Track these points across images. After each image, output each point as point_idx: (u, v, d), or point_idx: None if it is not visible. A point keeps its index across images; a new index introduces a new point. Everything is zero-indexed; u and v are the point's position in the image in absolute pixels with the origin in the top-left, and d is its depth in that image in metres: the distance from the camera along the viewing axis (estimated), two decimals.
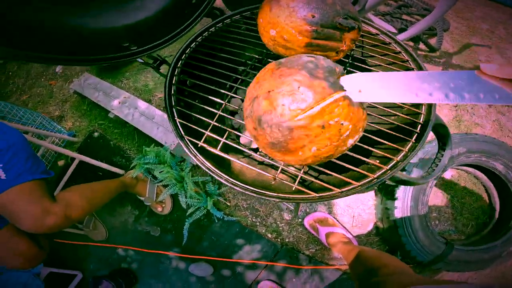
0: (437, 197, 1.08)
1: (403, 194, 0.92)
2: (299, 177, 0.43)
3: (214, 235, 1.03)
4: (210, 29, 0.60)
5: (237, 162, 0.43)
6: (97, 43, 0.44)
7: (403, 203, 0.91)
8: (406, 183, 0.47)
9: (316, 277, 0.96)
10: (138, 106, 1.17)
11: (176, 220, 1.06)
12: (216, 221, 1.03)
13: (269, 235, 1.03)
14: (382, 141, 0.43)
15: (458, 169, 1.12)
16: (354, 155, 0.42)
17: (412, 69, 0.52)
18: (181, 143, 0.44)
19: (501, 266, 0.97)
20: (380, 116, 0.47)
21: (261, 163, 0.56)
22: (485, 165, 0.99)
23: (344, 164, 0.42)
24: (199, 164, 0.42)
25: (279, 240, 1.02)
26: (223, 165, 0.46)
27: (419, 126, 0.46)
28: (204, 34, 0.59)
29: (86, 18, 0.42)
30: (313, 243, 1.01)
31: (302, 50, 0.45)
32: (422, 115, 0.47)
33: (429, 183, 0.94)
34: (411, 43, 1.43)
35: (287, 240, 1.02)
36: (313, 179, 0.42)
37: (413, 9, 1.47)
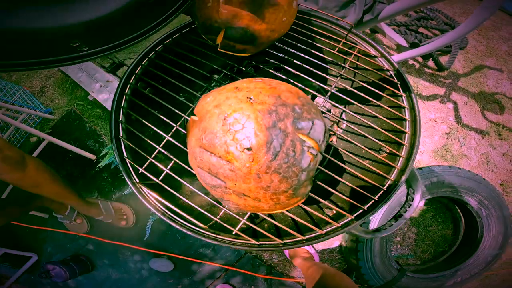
0: (404, 223, 1.09)
1: (372, 219, 0.92)
2: (247, 215, 0.41)
3: (179, 233, 1.03)
4: (183, 30, 0.53)
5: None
6: (34, 44, 0.37)
7: (369, 227, 0.91)
8: (356, 236, 0.45)
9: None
10: None
11: (142, 214, 1.05)
12: None
13: None
14: (339, 195, 0.40)
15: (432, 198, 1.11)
16: (305, 207, 0.39)
17: (403, 108, 0.46)
18: (121, 167, 0.40)
19: None
20: (347, 167, 0.43)
21: None
22: (459, 199, 0.98)
23: (293, 216, 0.39)
24: (138, 195, 0.39)
25: (258, 250, 1.03)
26: (174, 187, 0.43)
27: (387, 183, 0.43)
28: (175, 36, 0.52)
29: (17, 18, 0.35)
30: (276, 253, 1.03)
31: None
32: (396, 170, 0.43)
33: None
34: (420, 59, 1.33)
35: (266, 251, 1.03)
36: (253, 226, 0.39)
37: (433, 23, 1.34)
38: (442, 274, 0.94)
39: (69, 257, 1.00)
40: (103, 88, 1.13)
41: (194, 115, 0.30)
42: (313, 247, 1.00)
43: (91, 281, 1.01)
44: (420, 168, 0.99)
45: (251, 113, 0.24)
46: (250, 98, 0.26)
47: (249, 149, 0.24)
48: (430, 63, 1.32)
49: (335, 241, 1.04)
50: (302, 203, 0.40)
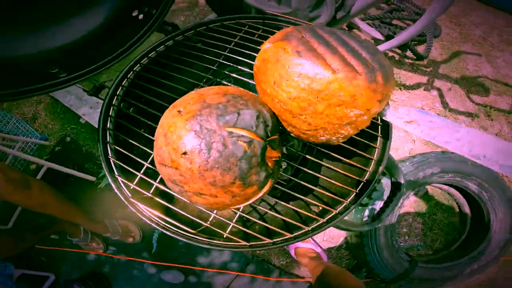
0: (408, 213, 1.09)
1: (372, 213, 0.92)
2: (235, 218, 0.42)
3: (184, 244, 1.04)
4: (158, 49, 0.56)
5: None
6: (11, 73, 0.40)
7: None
8: (348, 230, 0.46)
9: None
10: None
11: (147, 230, 1.06)
12: None
13: None
14: (321, 191, 0.41)
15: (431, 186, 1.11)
16: (293, 207, 0.41)
17: None
18: (113, 185, 0.41)
19: (465, 282, 0.99)
20: (327, 164, 0.45)
21: None
22: (458, 185, 0.98)
23: (282, 217, 0.40)
24: (131, 209, 0.41)
25: (250, 251, 1.03)
26: (167, 198, 0.44)
27: (366, 175, 0.44)
28: (150, 55, 0.55)
29: None
30: (283, 255, 1.03)
31: None
32: (373, 161, 0.45)
33: (399, 203, 0.94)
34: (398, 51, 1.37)
35: (258, 251, 1.03)
36: (244, 228, 0.40)
37: (405, 14, 1.40)
38: (457, 262, 0.92)
39: (87, 274, 1.01)
40: (93, 110, 1.16)
41: None
42: (319, 246, 1.00)
43: None
44: (413, 156, 1.00)
45: (181, 123, 0.28)
46: (180, 111, 0.30)
47: (185, 153, 0.27)
48: (409, 53, 1.36)
49: (341, 238, 1.03)
50: (287, 200, 0.42)
